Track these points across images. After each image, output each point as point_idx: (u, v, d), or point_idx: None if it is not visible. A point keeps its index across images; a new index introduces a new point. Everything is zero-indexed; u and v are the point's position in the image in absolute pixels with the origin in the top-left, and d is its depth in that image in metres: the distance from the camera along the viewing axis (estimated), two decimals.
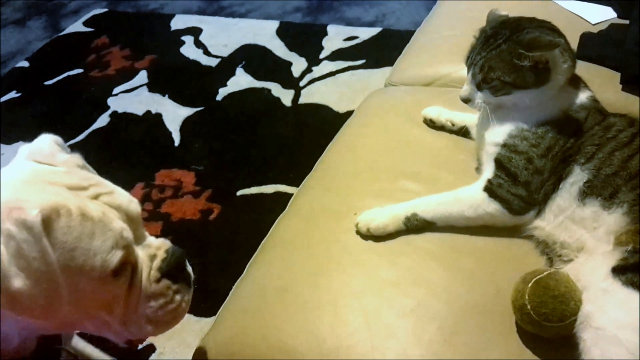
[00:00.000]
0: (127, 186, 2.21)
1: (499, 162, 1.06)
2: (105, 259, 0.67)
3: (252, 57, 2.76)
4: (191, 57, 2.81)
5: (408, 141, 1.29)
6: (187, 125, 2.40)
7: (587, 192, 0.98)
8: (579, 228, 0.98)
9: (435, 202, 1.07)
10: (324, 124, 2.28)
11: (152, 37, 3.04)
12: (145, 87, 2.66)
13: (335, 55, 2.69)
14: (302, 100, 2.46)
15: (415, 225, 1.06)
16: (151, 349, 1.58)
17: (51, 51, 3.04)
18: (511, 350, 0.89)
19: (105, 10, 3.34)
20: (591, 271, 0.90)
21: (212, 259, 1.83)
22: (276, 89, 2.53)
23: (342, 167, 1.28)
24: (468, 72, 1.13)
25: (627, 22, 1.45)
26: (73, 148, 2.38)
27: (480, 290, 0.97)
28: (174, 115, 2.46)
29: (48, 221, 0.64)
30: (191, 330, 1.62)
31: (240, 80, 2.62)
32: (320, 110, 2.39)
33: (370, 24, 2.90)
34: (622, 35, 1.41)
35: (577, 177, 1.00)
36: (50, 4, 3.47)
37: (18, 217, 0.62)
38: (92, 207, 0.69)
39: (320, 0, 3.13)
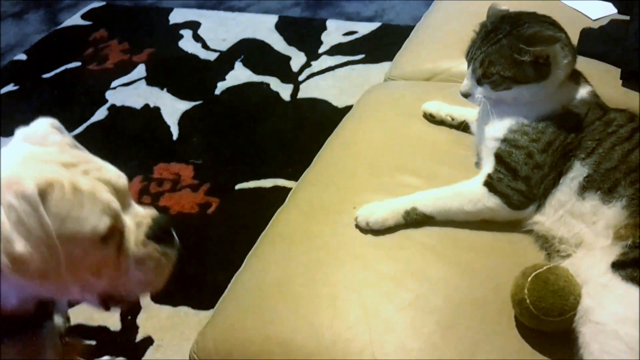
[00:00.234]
0: None
1: (499, 157, 1.06)
2: (94, 226, 0.74)
3: (251, 51, 2.76)
4: (190, 51, 2.81)
5: (407, 136, 1.29)
6: (185, 119, 2.39)
7: (586, 187, 0.98)
8: (578, 222, 0.99)
9: (435, 197, 1.07)
10: (323, 119, 2.27)
11: (151, 31, 3.03)
12: (143, 80, 2.65)
13: (334, 50, 2.68)
14: (301, 94, 2.45)
15: (415, 220, 1.06)
16: (149, 341, 1.58)
17: (49, 44, 3.03)
18: (510, 344, 0.90)
19: (104, 3, 3.33)
20: (591, 266, 0.90)
21: (210, 252, 1.82)
22: (275, 84, 2.53)
23: (342, 161, 1.28)
24: (468, 66, 1.13)
25: (627, 18, 1.45)
26: None
27: (479, 285, 0.97)
28: (173, 109, 2.45)
29: (44, 194, 0.72)
30: (189, 323, 1.61)
31: (239, 75, 2.61)
32: (319, 105, 2.39)
33: (370, 19, 2.89)
34: (623, 31, 1.41)
35: (578, 172, 1.00)
36: None
37: (17, 190, 0.70)
38: (83, 181, 0.76)
39: None
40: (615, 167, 0.98)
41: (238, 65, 2.67)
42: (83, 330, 1.64)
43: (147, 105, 2.49)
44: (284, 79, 2.54)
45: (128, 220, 0.82)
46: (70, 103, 2.60)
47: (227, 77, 2.60)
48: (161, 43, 2.90)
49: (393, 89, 1.54)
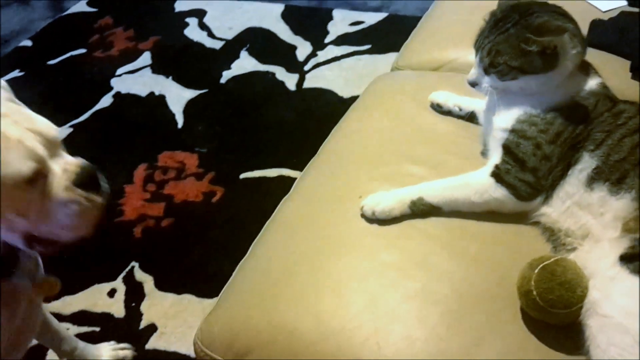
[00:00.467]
0: (130, 167, 2.23)
1: (506, 148, 1.05)
2: (19, 169, 0.81)
3: (256, 40, 2.74)
4: (195, 39, 2.79)
5: (414, 125, 1.28)
6: (190, 108, 2.39)
7: (595, 178, 0.98)
8: (585, 214, 0.98)
9: (442, 187, 1.07)
10: (328, 109, 2.27)
11: (156, 19, 3.01)
12: (148, 68, 2.64)
13: (340, 40, 2.67)
14: (307, 84, 2.44)
15: (421, 210, 1.06)
16: (152, 328, 1.59)
17: (54, 31, 3.02)
18: (516, 335, 0.89)
19: None
20: (598, 258, 0.90)
21: (214, 241, 1.82)
22: (280, 73, 2.52)
23: (348, 151, 1.28)
24: (476, 55, 1.12)
25: (637, 10, 1.43)
26: (77, 127, 2.38)
27: (485, 276, 0.97)
28: (178, 97, 2.45)
29: None
30: (193, 310, 1.62)
31: (245, 64, 2.60)
32: (324, 95, 2.38)
33: (377, 9, 2.87)
34: (633, 23, 1.40)
35: (586, 163, 0.99)
36: None
37: None
38: (11, 129, 0.83)
39: None
40: (624, 158, 0.97)
41: (244, 54, 2.66)
42: (86, 317, 1.64)
43: (152, 93, 2.49)
44: (290, 69, 2.53)
45: (55, 167, 0.88)
46: (76, 90, 2.59)
47: (232, 65, 2.59)
48: (167, 31, 2.89)
49: (400, 78, 1.53)
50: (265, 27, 2.81)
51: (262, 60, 2.61)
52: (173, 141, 2.22)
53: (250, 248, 1.16)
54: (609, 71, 1.16)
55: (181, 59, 2.69)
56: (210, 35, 2.81)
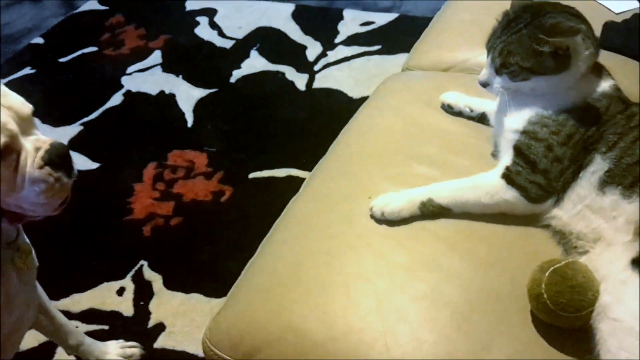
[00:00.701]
0: (140, 165, 2.23)
1: (518, 149, 1.05)
2: None
3: (266, 39, 2.74)
4: (205, 38, 2.80)
5: (425, 126, 1.28)
6: (200, 107, 2.39)
7: (607, 181, 0.97)
8: (597, 217, 0.97)
9: (452, 188, 1.06)
10: (338, 109, 2.26)
11: (167, 17, 3.02)
12: (159, 67, 2.65)
13: (350, 40, 2.66)
14: (316, 84, 2.44)
15: (431, 211, 1.05)
16: (161, 327, 1.59)
17: (66, 28, 3.03)
18: (526, 339, 0.89)
19: None
20: (610, 262, 0.89)
21: (223, 240, 1.83)
22: (290, 73, 2.52)
23: (358, 151, 1.27)
24: (487, 55, 1.11)
25: None
26: (87, 125, 2.40)
27: (495, 278, 0.96)
28: (188, 96, 2.45)
29: None
30: (201, 310, 1.62)
31: (255, 63, 2.60)
32: (334, 95, 2.38)
33: (387, 10, 2.87)
34: None
35: (598, 166, 0.98)
36: None
37: None
38: None
39: None
40: (637, 161, 0.96)
41: (254, 53, 2.66)
42: (95, 315, 1.65)
43: (162, 92, 2.49)
44: (300, 69, 2.53)
45: (27, 144, 0.89)
46: (86, 88, 2.60)
47: (242, 65, 2.60)
48: (177, 29, 2.89)
49: (411, 78, 1.53)
50: (275, 27, 2.81)
51: (272, 59, 2.61)
52: (182, 140, 2.23)
53: (259, 248, 1.16)
54: (621, 73, 1.15)
55: (191, 58, 2.70)
56: (221, 34, 2.82)
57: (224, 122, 2.31)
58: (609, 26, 1.43)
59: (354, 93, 2.35)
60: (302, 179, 1.32)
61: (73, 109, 2.43)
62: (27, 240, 1.06)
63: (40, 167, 0.89)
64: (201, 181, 2.04)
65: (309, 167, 1.40)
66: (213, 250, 1.80)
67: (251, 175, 2.04)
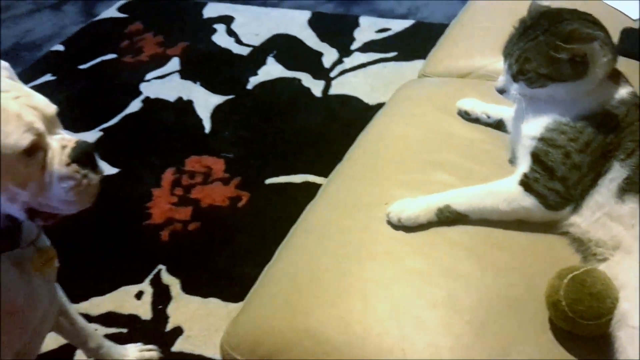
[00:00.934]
0: (158, 171, 2.26)
1: (535, 156, 1.05)
2: (18, 139, 0.86)
3: (283, 46, 2.76)
4: (223, 45, 2.82)
5: (441, 132, 1.28)
6: (217, 113, 2.41)
7: (626, 189, 0.96)
8: (616, 225, 0.97)
9: (469, 195, 1.06)
10: (354, 116, 2.27)
11: (185, 25, 3.05)
12: (177, 73, 2.68)
13: (366, 47, 2.67)
14: (332, 91, 2.45)
15: (448, 217, 1.05)
16: (178, 331, 1.60)
17: (86, 36, 3.07)
18: (544, 346, 0.88)
19: None
20: (629, 269, 0.89)
21: (240, 245, 1.84)
22: (307, 79, 2.53)
23: (374, 157, 1.28)
24: (505, 62, 1.12)
25: None
26: (106, 131, 2.43)
27: (513, 285, 0.96)
28: (205, 102, 2.47)
29: None
30: (218, 314, 1.63)
31: (271, 70, 2.62)
32: (350, 102, 2.39)
33: (403, 16, 2.87)
34: None
35: (617, 173, 0.98)
36: None
37: None
38: (11, 104, 0.88)
39: None
40: None
41: (270, 60, 2.68)
42: (114, 319, 1.67)
43: (180, 98, 2.52)
44: (316, 75, 2.54)
45: (53, 142, 0.92)
46: (106, 94, 2.64)
47: (259, 72, 2.61)
48: (195, 37, 2.92)
49: (427, 85, 1.53)
50: (292, 34, 2.83)
51: (288, 66, 2.62)
52: (200, 146, 2.25)
53: (276, 253, 1.17)
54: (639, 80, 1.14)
55: (209, 65, 2.72)
56: (238, 41, 2.84)
57: (241, 128, 2.33)
58: (627, 33, 1.43)
59: (370, 99, 2.36)
60: (319, 185, 1.32)
61: (93, 115, 2.47)
62: (48, 243, 1.08)
63: (67, 165, 0.92)
64: (218, 187, 2.06)
65: (325, 173, 1.41)
66: (230, 255, 1.81)
67: (268, 181, 2.05)
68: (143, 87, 2.62)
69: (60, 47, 2.99)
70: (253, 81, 2.56)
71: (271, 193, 2.02)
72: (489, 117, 1.27)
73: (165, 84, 2.62)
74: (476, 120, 1.29)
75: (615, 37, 1.20)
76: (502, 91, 1.12)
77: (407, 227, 1.06)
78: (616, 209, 0.97)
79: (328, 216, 1.17)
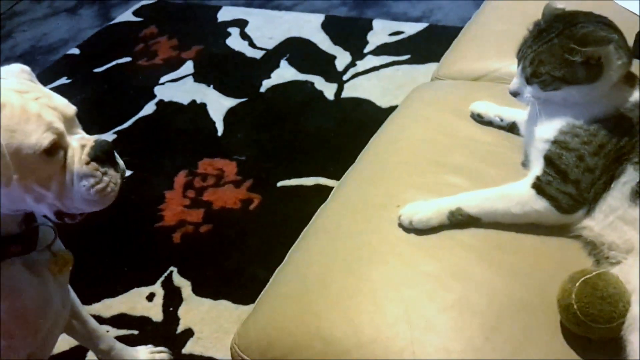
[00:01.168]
0: (171, 173, 2.27)
1: (548, 159, 1.04)
2: (39, 139, 0.88)
3: (296, 50, 2.77)
4: (236, 49, 2.84)
5: (454, 135, 1.27)
6: (230, 116, 2.42)
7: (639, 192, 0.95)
8: (630, 229, 0.96)
9: (481, 198, 1.06)
10: (366, 119, 2.27)
11: (199, 28, 3.07)
12: (191, 77, 2.70)
13: (380, 50, 2.67)
14: (345, 94, 2.45)
15: (459, 220, 1.05)
16: (189, 333, 1.61)
17: (101, 39, 3.11)
18: (555, 350, 0.88)
19: (154, 0, 3.39)
20: None
21: (251, 247, 1.84)
22: (319, 82, 2.53)
23: (386, 159, 1.27)
24: (518, 65, 1.11)
25: None
26: (120, 134, 2.45)
27: (524, 288, 0.95)
28: (218, 105, 2.49)
29: None
30: (229, 316, 1.63)
31: (284, 73, 2.63)
32: (363, 105, 2.38)
33: (417, 20, 2.87)
34: None
35: (630, 176, 0.97)
36: None
37: None
38: (32, 104, 0.90)
39: None
40: None
41: (283, 63, 2.69)
42: (125, 320, 1.68)
43: (193, 101, 2.53)
44: (329, 78, 2.55)
45: (73, 142, 0.94)
46: (120, 97, 2.66)
47: (272, 75, 2.62)
48: (209, 40, 2.94)
49: (440, 88, 1.53)
50: (305, 37, 2.84)
51: (301, 69, 2.63)
52: (213, 149, 2.26)
53: (287, 255, 1.17)
54: None
55: (222, 68, 2.74)
56: (251, 44, 2.85)
57: (254, 131, 2.34)
58: None
59: (383, 102, 2.36)
60: (330, 188, 1.32)
61: (107, 117, 2.49)
62: (63, 247, 1.09)
63: (87, 163, 0.94)
64: (230, 189, 2.06)
65: (337, 176, 1.41)
66: (241, 257, 1.82)
67: (280, 184, 2.06)
68: (157, 90, 2.64)
69: (76, 51, 3.02)
70: (266, 84, 2.57)
71: (283, 196, 2.02)
72: (502, 120, 1.26)
73: (179, 87, 2.64)
74: (489, 123, 1.28)
75: (631, 40, 1.19)
76: (515, 94, 1.12)
77: (418, 230, 1.06)
78: (629, 213, 0.96)
79: (339, 219, 1.17)
